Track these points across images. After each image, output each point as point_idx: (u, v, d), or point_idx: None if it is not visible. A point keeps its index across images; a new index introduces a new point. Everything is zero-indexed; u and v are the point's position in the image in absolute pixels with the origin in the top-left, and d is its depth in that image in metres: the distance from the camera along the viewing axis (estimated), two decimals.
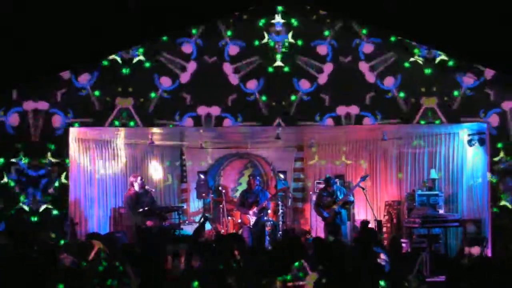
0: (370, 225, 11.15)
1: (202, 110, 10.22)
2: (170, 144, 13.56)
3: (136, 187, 11.29)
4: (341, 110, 10.25)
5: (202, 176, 13.95)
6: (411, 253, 10.24)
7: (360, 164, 12.85)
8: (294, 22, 10.28)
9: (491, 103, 10.20)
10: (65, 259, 7.02)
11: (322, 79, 10.29)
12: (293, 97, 10.24)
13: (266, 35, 10.28)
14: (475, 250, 9.44)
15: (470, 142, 10.85)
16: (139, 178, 11.40)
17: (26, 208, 9.86)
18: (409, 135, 12.06)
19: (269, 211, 12.58)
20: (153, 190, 11.95)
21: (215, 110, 10.22)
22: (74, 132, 10.51)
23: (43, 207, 9.90)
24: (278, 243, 10.44)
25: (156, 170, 13.46)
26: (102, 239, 8.37)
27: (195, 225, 12.77)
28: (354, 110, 10.24)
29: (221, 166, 14.34)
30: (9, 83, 10.43)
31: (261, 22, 10.29)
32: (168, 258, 8.22)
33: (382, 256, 7.16)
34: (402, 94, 10.20)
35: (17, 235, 9.04)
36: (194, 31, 10.23)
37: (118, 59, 10.12)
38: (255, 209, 11.93)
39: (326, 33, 10.27)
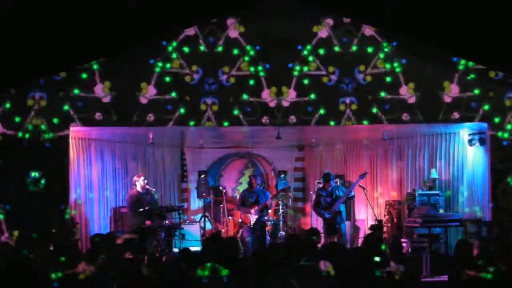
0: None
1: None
2: (170, 144, 13.61)
3: (139, 187, 11.29)
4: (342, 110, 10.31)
5: (202, 176, 13.97)
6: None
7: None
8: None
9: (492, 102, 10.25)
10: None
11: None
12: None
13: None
14: None
15: (470, 142, 10.86)
16: (142, 178, 11.40)
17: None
18: (409, 135, 12.06)
19: (270, 211, 12.58)
20: (154, 189, 11.94)
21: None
22: (74, 132, 10.49)
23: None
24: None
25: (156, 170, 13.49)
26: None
27: (196, 225, 12.83)
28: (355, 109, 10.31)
29: (222, 166, 14.36)
30: (9, 83, 10.42)
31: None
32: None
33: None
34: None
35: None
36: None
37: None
38: (256, 208, 11.94)
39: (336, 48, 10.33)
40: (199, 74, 10.21)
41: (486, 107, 10.21)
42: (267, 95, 10.26)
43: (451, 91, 10.25)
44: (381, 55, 10.28)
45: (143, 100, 10.11)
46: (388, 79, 10.29)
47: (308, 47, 10.29)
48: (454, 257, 7.66)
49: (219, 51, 10.28)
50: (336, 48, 10.31)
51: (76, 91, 10.06)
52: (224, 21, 10.30)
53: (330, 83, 10.30)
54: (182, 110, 10.15)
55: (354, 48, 10.33)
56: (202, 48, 10.27)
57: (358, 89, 10.27)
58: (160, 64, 10.16)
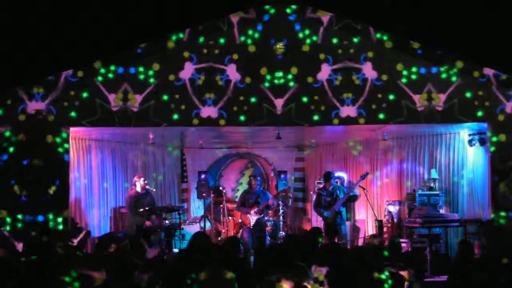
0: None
1: (202, 110, 10.24)
2: (170, 144, 13.61)
3: (138, 187, 11.28)
4: (341, 110, 10.29)
5: (202, 176, 13.96)
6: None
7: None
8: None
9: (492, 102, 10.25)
10: None
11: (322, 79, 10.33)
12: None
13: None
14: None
15: (470, 142, 10.86)
16: (142, 178, 11.39)
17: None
18: (409, 135, 12.06)
19: (270, 211, 12.56)
20: (154, 190, 11.93)
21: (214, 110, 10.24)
22: (74, 132, 10.48)
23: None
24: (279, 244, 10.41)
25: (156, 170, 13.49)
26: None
27: (196, 225, 12.82)
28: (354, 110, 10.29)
29: (222, 166, 14.35)
30: (9, 83, 10.42)
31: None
32: None
33: None
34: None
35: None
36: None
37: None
38: (256, 209, 11.93)
39: (335, 41, 10.29)
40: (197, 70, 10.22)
41: (480, 113, 10.23)
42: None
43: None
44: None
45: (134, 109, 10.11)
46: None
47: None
48: (456, 257, 7.66)
49: (221, 43, 10.27)
50: (335, 40, 10.28)
51: (85, 95, 10.05)
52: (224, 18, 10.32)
53: (314, 84, 10.28)
54: (175, 116, 10.14)
55: (355, 40, 10.30)
56: (201, 39, 10.24)
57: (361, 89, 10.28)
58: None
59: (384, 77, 10.23)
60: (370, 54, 10.24)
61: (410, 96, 10.21)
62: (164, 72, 10.14)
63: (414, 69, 10.21)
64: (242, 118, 10.21)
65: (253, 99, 10.19)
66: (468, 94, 10.20)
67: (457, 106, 10.19)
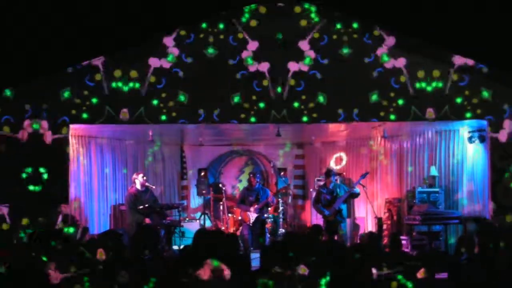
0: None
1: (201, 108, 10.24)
2: (170, 141, 13.61)
3: (138, 184, 11.28)
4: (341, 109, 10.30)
5: (202, 173, 13.96)
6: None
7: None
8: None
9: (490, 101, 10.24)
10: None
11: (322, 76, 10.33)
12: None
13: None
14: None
15: (470, 139, 10.87)
16: (141, 175, 11.39)
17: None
18: (409, 133, 12.06)
19: (270, 208, 12.57)
20: (154, 187, 11.93)
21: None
22: (74, 129, 10.48)
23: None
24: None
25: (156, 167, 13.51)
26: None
27: (196, 222, 12.85)
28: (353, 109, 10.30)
29: (221, 163, 14.36)
30: (8, 82, 10.43)
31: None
32: None
33: None
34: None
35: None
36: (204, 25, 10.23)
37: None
38: (256, 206, 11.94)
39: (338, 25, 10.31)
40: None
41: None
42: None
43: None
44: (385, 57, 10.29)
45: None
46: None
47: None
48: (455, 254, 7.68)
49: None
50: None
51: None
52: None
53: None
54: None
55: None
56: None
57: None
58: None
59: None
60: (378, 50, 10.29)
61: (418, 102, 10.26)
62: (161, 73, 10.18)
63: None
64: (253, 119, 10.23)
65: (262, 105, 10.20)
66: (458, 100, 10.21)
67: (449, 111, 10.22)
